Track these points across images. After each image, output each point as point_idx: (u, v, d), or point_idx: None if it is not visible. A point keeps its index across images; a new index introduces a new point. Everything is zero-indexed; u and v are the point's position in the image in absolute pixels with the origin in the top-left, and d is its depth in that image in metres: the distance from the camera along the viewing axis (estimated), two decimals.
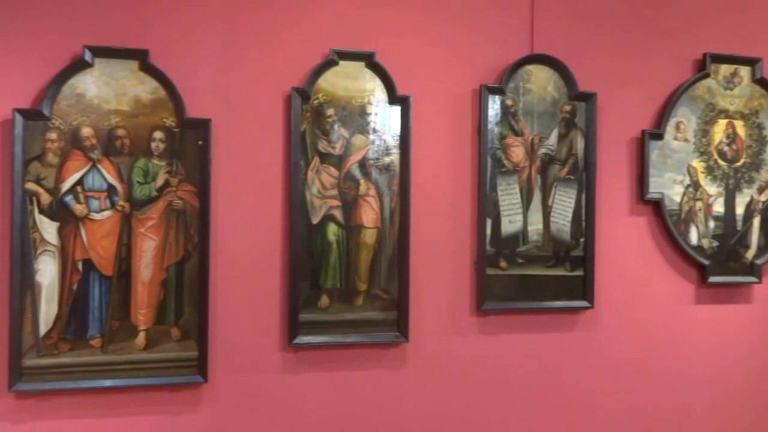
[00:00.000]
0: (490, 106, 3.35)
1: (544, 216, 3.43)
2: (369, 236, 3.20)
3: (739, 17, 3.85)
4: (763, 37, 3.87)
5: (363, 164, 3.20)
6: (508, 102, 3.38)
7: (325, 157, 3.16)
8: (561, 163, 3.47)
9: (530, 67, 3.42)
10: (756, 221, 3.81)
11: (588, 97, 3.48)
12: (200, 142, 3.00)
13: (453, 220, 3.35)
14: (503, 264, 3.37)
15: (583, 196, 3.48)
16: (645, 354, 3.64)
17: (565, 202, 3.46)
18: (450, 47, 3.37)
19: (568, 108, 3.47)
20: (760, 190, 3.81)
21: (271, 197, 3.12)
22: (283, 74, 3.14)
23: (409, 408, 3.29)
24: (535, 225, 3.42)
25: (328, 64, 3.15)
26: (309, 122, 3.13)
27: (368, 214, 3.20)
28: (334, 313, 3.15)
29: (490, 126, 3.35)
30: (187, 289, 2.98)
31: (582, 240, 3.47)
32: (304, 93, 3.11)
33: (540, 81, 3.44)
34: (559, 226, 3.45)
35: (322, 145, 3.15)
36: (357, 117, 3.20)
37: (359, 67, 3.20)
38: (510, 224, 3.38)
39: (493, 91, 3.35)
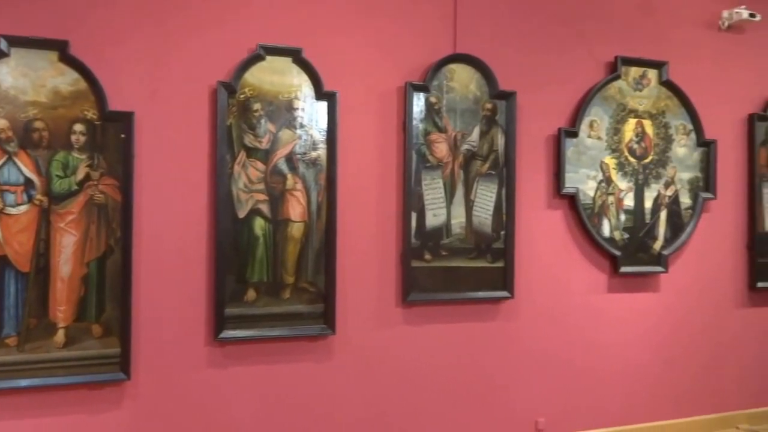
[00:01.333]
0: (414, 103, 3.45)
1: (466, 210, 3.56)
2: (296, 230, 3.23)
3: (648, 23, 4.11)
4: (669, 42, 4.14)
5: (290, 159, 3.23)
6: (432, 99, 3.49)
7: (251, 152, 3.17)
8: (483, 159, 3.61)
9: (453, 66, 3.54)
10: (663, 214, 4.07)
11: (508, 96, 3.63)
12: (123, 136, 2.95)
13: (379, 213, 3.42)
14: (428, 256, 3.47)
15: (504, 191, 3.63)
16: (562, 339, 3.83)
17: (486, 197, 3.60)
18: (376, 45, 3.44)
19: (489, 106, 3.61)
20: (666, 186, 4.08)
21: (196, 191, 3.10)
22: (210, 68, 3.13)
23: (337, 399, 3.34)
24: (458, 218, 3.54)
25: (254, 59, 3.17)
26: (235, 116, 3.14)
27: (295, 208, 3.23)
28: (261, 306, 3.17)
29: (414, 122, 3.45)
30: (109, 285, 2.94)
31: (503, 233, 3.62)
32: (230, 87, 3.12)
33: (463, 79, 3.56)
34: (480, 219, 3.59)
35: (249, 140, 3.16)
36: (284, 112, 3.22)
37: (286, 62, 3.23)
38: (434, 218, 3.49)
39: (418, 88, 3.45)
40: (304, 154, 3.25)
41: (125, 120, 2.95)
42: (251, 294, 3.16)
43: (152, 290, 3.02)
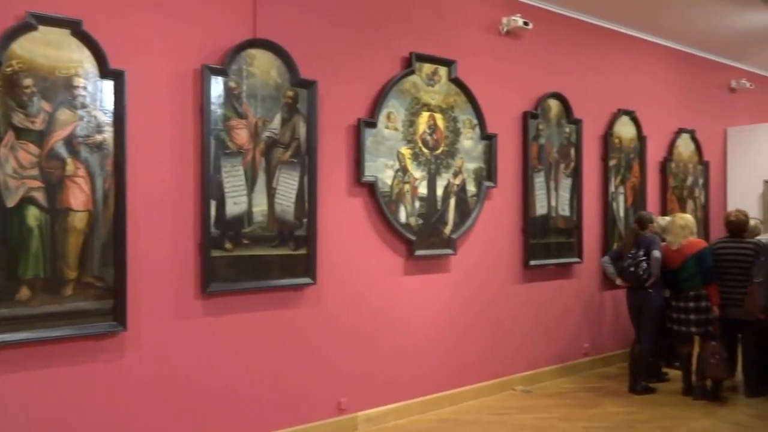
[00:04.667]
0: (212, 87, 3.32)
1: (268, 197, 3.53)
2: (78, 220, 2.94)
3: (439, 24, 4.40)
4: (458, 43, 4.48)
5: (70, 141, 2.93)
6: (232, 84, 3.39)
7: (22, 133, 2.81)
8: (284, 147, 3.60)
9: (253, 51, 3.47)
10: (452, 201, 4.42)
11: (309, 85, 3.66)
12: None
13: (175, 202, 3.25)
14: (228, 245, 3.39)
15: (306, 179, 3.66)
16: (362, 322, 3.99)
17: (288, 184, 3.61)
18: (170, 23, 3.25)
19: (290, 94, 3.61)
20: (455, 175, 4.44)
21: None
22: None
23: (130, 399, 3.12)
24: (260, 206, 3.50)
25: (24, 28, 2.80)
26: (0, 92, 2.76)
27: (77, 196, 2.94)
28: (36, 305, 2.84)
29: (213, 107, 3.33)
30: None
31: (305, 220, 3.66)
32: None
33: (263, 65, 3.51)
34: (283, 207, 3.59)
35: (18, 119, 2.80)
36: (62, 90, 2.90)
37: (64, 34, 2.91)
38: (235, 206, 3.41)
39: (216, 72, 3.33)
40: (87, 136, 2.97)
41: None
42: (24, 292, 2.81)
43: None
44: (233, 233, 3.40)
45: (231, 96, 3.39)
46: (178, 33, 3.27)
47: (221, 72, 3.34)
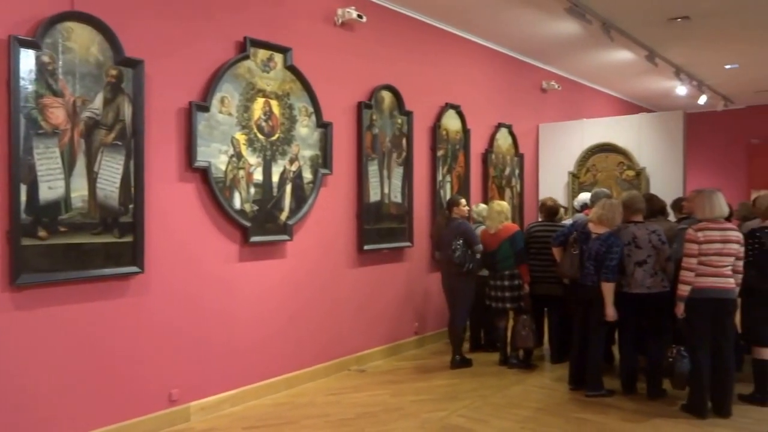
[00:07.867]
0: (22, 60, 3.03)
1: (89, 182, 3.31)
2: None
3: (275, 10, 4.39)
4: (294, 31, 4.51)
5: None
6: (45, 59, 3.12)
7: None
8: (107, 129, 3.39)
9: (71, 24, 3.22)
10: (288, 188, 4.46)
11: (135, 64, 3.48)
12: None
13: None
14: (42, 233, 3.13)
15: (132, 163, 3.49)
16: (194, 310, 3.90)
17: (112, 168, 3.41)
18: None
19: (114, 72, 3.40)
20: (291, 161, 4.48)
21: None
22: None
23: None
24: (80, 191, 3.27)
25: None
26: None
27: None
28: None
29: (23, 83, 3.04)
30: None
31: (131, 206, 3.49)
32: None
33: (82, 40, 3.27)
34: (106, 192, 3.39)
35: None
36: None
37: None
38: (50, 190, 3.16)
39: (26, 44, 3.05)
40: None
41: None
42: None
43: None
44: (48, 220, 3.15)
45: (44, 71, 3.13)
46: None
47: (32, 45, 3.07)
